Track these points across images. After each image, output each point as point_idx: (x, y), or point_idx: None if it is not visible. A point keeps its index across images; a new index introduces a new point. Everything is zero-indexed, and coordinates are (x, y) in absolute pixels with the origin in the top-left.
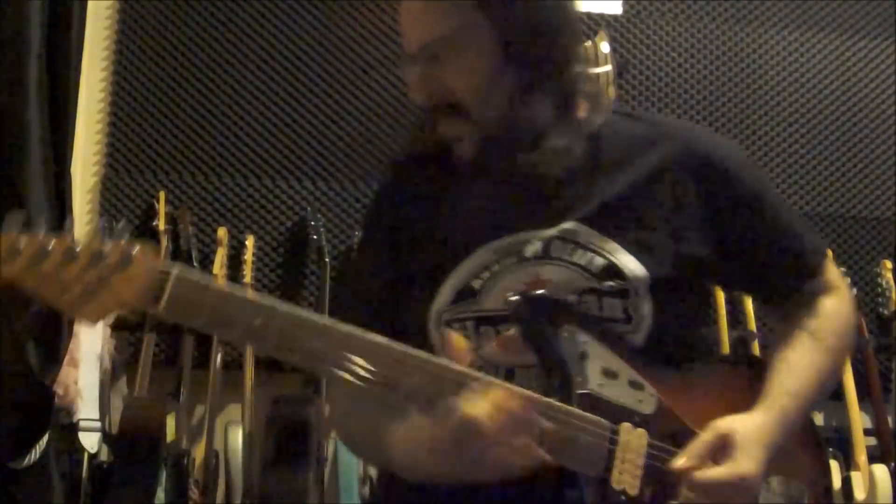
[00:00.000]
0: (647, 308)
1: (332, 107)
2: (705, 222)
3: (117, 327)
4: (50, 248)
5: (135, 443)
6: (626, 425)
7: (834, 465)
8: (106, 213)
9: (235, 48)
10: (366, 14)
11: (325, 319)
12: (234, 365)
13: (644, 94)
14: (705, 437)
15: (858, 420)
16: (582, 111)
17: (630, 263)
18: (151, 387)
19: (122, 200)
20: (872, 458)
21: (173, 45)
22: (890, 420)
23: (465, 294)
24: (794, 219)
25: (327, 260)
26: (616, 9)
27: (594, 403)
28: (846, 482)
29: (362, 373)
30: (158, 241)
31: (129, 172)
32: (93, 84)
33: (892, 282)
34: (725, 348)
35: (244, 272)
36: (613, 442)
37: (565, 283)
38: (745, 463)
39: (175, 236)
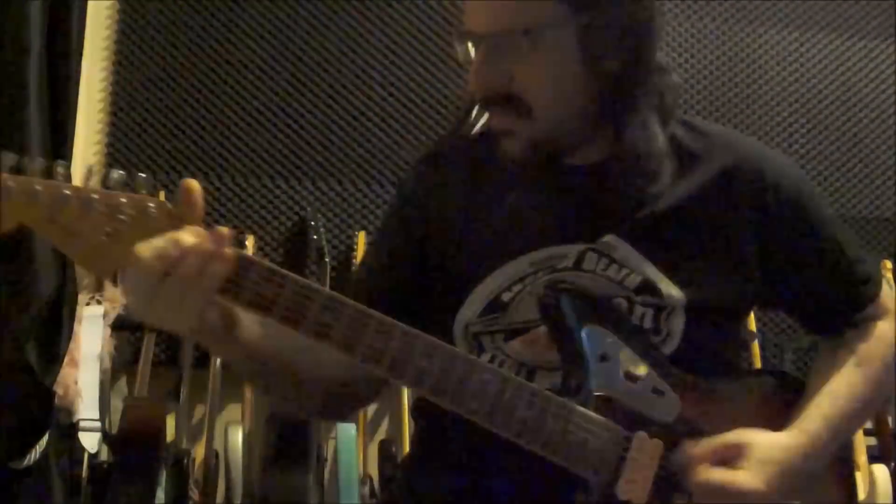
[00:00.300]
0: (679, 324)
1: (332, 107)
2: (755, 247)
3: (117, 327)
4: (67, 194)
5: (135, 443)
6: (641, 434)
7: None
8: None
9: (235, 48)
10: (366, 14)
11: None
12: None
13: None
14: (723, 438)
15: None
16: (657, 124)
17: (667, 287)
18: (151, 387)
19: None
20: (872, 458)
21: (173, 45)
22: (890, 420)
23: (496, 307)
24: (849, 245)
25: (327, 260)
26: None
27: (610, 406)
28: None
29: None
30: None
31: (129, 172)
32: (93, 84)
33: (892, 282)
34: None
35: None
36: (625, 450)
37: (600, 291)
38: (748, 477)
39: None
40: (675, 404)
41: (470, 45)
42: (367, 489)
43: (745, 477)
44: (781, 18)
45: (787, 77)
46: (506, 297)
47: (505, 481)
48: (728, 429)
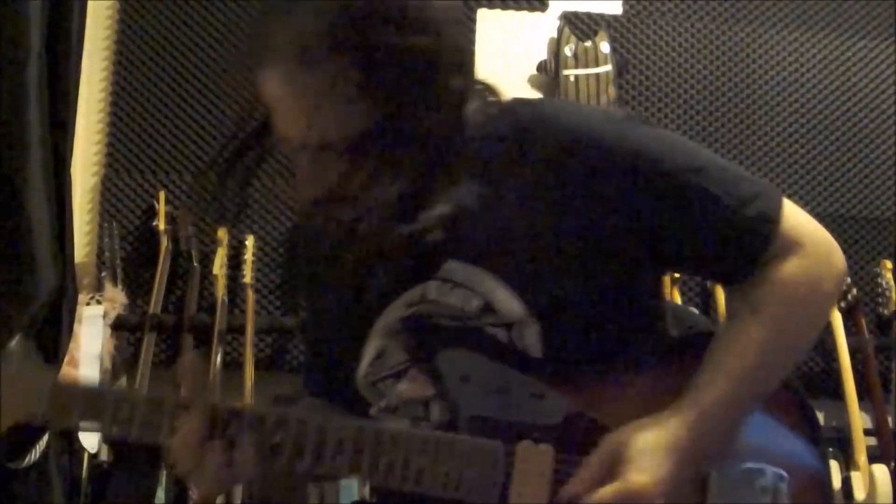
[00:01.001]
0: (533, 334)
1: None
2: (607, 222)
3: (117, 327)
4: None
5: (135, 443)
6: (524, 443)
7: (834, 465)
8: (106, 212)
9: (235, 48)
10: None
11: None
12: (234, 365)
13: (644, 94)
14: (594, 457)
15: (858, 420)
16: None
17: (507, 302)
18: (151, 387)
19: (122, 200)
20: (872, 458)
21: (173, 45)
22: (890, 420)
23: (378, 357)
24: (726, 183)
25: None
26: (616, 9)
27: (484, 426)
28: (846, 482)
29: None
30: (158, 242)
31: (129, 172)
32: (93, 84)
33: (892, 282)
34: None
35: (244, 272)
36: (509, 464)
37: (443, 320)
38: (635, 477)
39: (175, 236)
40: (559, 403)
41: (294, 156)
42: (367, 489)
43: (629, 479)
44: (781, 18)
45: (787, 77)
46: (384, 346)
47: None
48: (623, 411)
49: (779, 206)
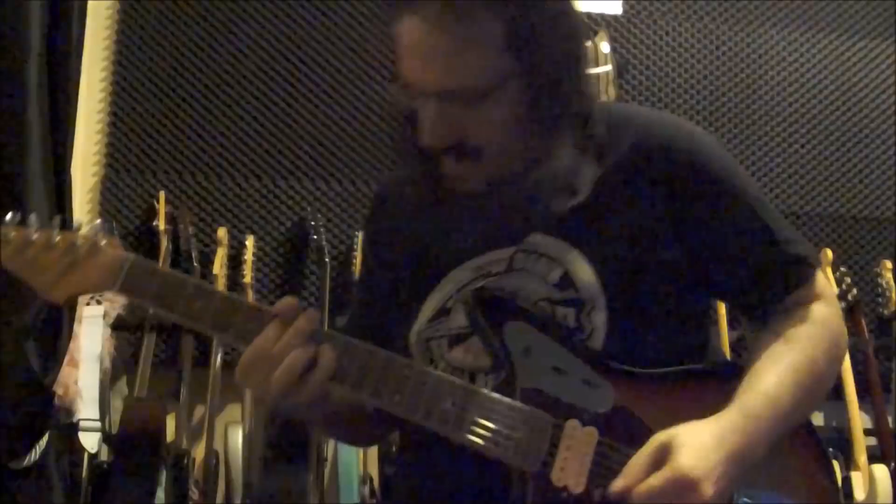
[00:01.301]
0: (601, 319)
1: (332, 107)
2: (674, 224)
3: (117, 327)
4: (34, 238)
5: (135, 443)
6: (572, 422)
7: (834, 465)
8: (106, 212)
9: (235, 48)
10: (366, 14)
11: (253, 302)
12: (234, 365)
13: (644, 94)
14: (644, 451)
15: (858, 420)
16: (573, 146)
17: (584, 274)
18: (151, 387)
19: (122, 200)
20: (872, 458)
21: (173, 45)
22: (890, 420)
23: (442, 313)
24: (777, 225)
25: (327, 260)
26: (616, 9)
27: (538, 399)
28: (846, 482)
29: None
30: (158, 242)
31: (129, 172)
32: (93, 84)
33: (892, 282)
34: (725, 349)
35: (244, 272)
36: (556, 437)
37: (522, 291)
38: (684, 461)
39: (175, 236)
40: (609, 395)
41: (416, 96)
42: (367, 489)
43: (677, 463)
44: (781, 18)
45: (787, 77)
46: (450, 303)
47: (450, 473)
48: (666, 417)
49: (817, 256)
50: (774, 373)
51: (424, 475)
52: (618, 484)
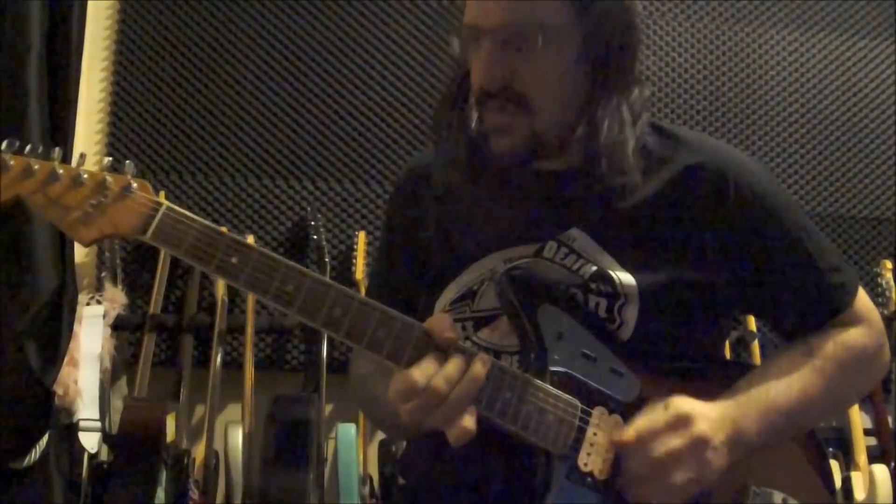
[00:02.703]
0: (633, 312)
1: (332, 107)
2: (718, 246)
3: (117, 327)
4: (60, 172)
5: (135, 443)
6: (599, 409)
7: (834, 465)
8: None
9: (235, 48)
10: (366, 14)
11: (296, 265)
12: (234, 365)
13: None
14: (664, 416)
15: (858, 420)
16: (630, 126)
17: (619, 275)
18: (151, 387)
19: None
20: (872, 458)
21: (173, 45)
22: (890, 420)
23: (467, 296)
24: (821, 252)
25: (327, 260)
26: None
27: (568, 383)
28: (846, 482)
29: (327, 318)
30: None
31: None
32: (93, 84)
33: (892, 282)
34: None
35: None
36: (584, 423)
37: (555, 277)
38: (705, 428)
39: None
40: (635, 385)
41: (474, 39)
42: (367, 489)
43: (701, 430)
44: (781, 18)
45: (787, 77)
46: (476, 287)
47: (474, 455)
48: None
49: (857, 283)
50: (785, 378)
51: (447, 457)
52: (640, 432)
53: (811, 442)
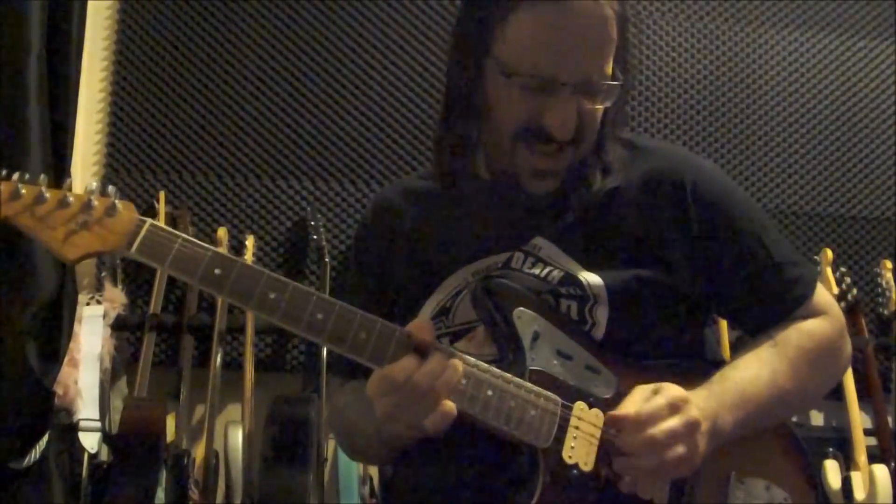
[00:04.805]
0: (604, 313)
1: (332, 107)
2: (679, 247)
3: (117, 327)
4: (47, 195)
5: (135, 443)
6: (580, 404)
7: (834, 465)
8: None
9: (235, 48)
10: (366, 14)
11: (278, 276)
12: (234, 365)
13: (644, 94)
14: (661, 399)
15: (858, 420)
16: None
17: (587, 277)
18: (151, 387)
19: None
20: (872, 458)
21: (173, 45)
22: (890, 420)
23: (442, 313)
24: (777, 248)
25: (327, 260)
26: None
27: (546, 381)
28: (846, 482)
29: (311, 323)
30: None
31: (129, 172)
32: (93, 84)
33: (892, 282)
34: (726, 351)
35: None
36: (565, 417)
37: (526, 283)
38: (695, 411)
39: None
40: (612, 382)
41: (542, 89)
42: (366, 489)
43: (696, 415)
44: (781, 18)
45: (788, 77)
46: (449, 304)
47: (461, 452)
48: None
49: (815, 277)
50: (754, 369)
51: (434, 454)
52: (639, 412)
53: (788, 437)
